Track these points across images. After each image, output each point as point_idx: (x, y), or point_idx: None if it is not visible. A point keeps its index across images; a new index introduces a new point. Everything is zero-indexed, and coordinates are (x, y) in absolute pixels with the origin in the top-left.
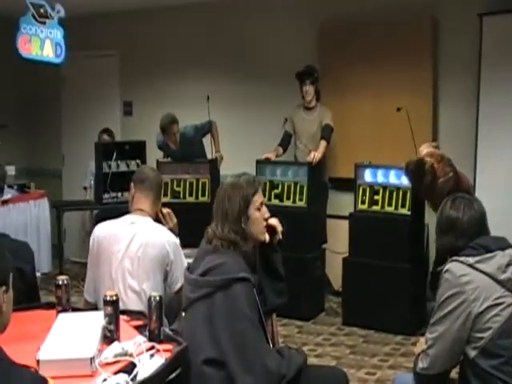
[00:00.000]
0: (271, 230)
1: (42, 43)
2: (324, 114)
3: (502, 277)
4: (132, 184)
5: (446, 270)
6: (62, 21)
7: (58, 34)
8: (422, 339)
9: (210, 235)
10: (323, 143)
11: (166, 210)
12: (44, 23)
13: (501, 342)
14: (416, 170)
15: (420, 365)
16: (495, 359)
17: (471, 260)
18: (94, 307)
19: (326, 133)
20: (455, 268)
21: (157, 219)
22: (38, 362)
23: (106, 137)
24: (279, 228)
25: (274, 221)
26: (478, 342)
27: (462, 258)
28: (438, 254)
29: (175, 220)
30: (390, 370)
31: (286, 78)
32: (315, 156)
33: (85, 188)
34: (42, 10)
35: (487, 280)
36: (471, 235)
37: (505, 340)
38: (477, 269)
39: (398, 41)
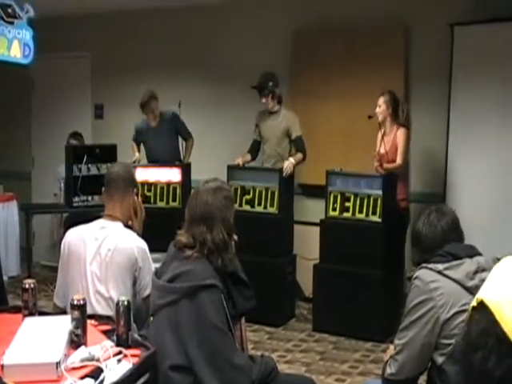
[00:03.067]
0: None
1: (9, 43)
2: (290, 120)
3: (470, 284)
4: (103, 188)
5: (416, 277)
6: (33, 22)
7: (27, 34)
8: (392, 347)
9: (183, 241)
10: (299, 155)
11: (138, 203)
12: (12, 23)
13: None
14: None
15: (388, 370)
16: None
17: (440, 267)
18: (62, 312)
19: (300, 145)
20: (424, 275)
21: (127, 224)
22: (2, 366)
23: (74, 141)
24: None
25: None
26: (445, 348)
27: (430, 265)
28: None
29: (142, 215)
30: (360, 376)
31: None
32: (287, 169)
33: (55, 194)
34: (9, 10)
35: (455, 286)
36: (434, 250)
37: None
38: (445, 275)
39: (370, 48)
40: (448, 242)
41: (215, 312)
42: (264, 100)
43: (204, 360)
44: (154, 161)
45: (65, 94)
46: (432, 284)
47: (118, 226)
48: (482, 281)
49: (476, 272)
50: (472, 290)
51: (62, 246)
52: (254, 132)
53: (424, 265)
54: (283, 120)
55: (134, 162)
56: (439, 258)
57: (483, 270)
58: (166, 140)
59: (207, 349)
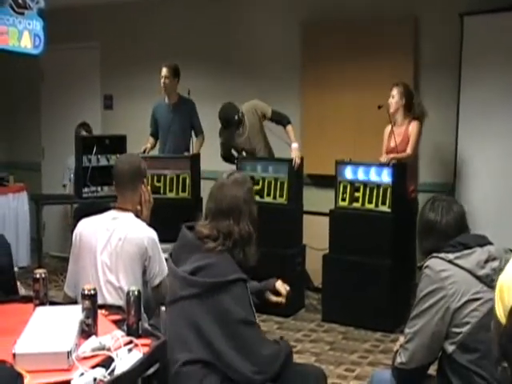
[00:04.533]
0: (276, 293)
1: (19, 34)
2: (254, 113)
3: (481, 272)
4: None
5: (426, 266)
6: (43, 12)
7: (37, 25)
8: (402, 338)
9: (205, 233)
10: (289, 128)
11: (146, 198)
12: (22, 14)
13: (478, 336)
14: None
15: (398, 359)
16: (472, 354)
17: (451, 256)
18: (73, 301)
19: (279, 117)
20: (435, 264)
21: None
22: (14, 355)
23: (83, 131)
24: (283, 291)
25: (278, 285)
26: (455, 337)
27: (441, 255)
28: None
29: (145, 213)
30: (369, 366)
31: (267, 74)
32: (296, 159)
33: (64, 185)
34: (20, 1)
35: (466, 275)
36: (451, 237)
37: (482, 334)
38: (456, 264)
39: (380, 39)
40: (463, 228)
41: (240, 306)
42: (241, 131)
43: (234, 352)
44: (165, 142)
45: (74, 84)
46: (443, 273)
47: (130, 216)
48: (493, 270)
49: (487, 261)
50: (483, 279)
51: (73, 236)
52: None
53: (435, 254)
54: (246, 131)
55: (144, 151)
56: (450, 248)
57: (494, 259)
58: (180, 119)
59: (235, 343)
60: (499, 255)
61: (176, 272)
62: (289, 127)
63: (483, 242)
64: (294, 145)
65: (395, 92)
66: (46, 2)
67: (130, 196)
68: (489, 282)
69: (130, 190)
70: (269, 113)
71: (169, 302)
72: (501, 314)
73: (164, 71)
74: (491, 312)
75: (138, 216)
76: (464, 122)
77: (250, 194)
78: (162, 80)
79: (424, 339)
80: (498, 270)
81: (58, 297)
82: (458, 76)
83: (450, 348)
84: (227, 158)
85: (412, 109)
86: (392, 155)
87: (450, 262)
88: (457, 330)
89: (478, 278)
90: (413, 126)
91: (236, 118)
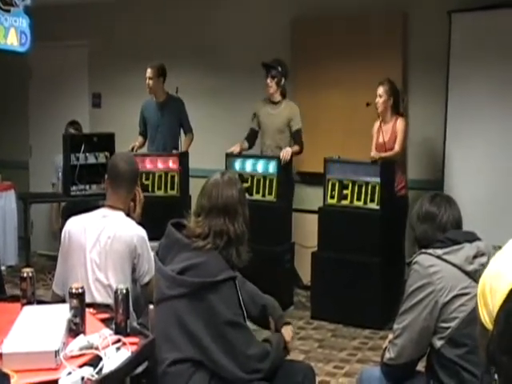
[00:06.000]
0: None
1: (6, 31)
2: (291, 111)
3: (470, 268)
4: (106, 176)
5: (415, 262)
6: (31, 10)
7: (24, 22)
8: (391, 335)
9: (198, 231)
10: (296, 147)
11: (140, 197)
12: (9, 11)
13: (466, 331)
14: None
15: (387, 355)
16: (460, 348)
17: (439, 251)
18: (61, 300)
19: (298, 138)
20: (423, 259)
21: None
22: (0, 355)
23: (72, 130)
24: (288, 338)
25: (285, 330)
26: (444, 331)
27: (430, 250)
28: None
29: (139, 211)
30: (358, 363)
31: (256, 72)
32: (285, 156)
33: (53, 184)
34: None
35: (455, 271)
36: (447, 230)
37: (470, 329)
38: (445, 260)
39: (368, 37)
40: (460, 227)
41: (228, 306)
42: (269, 81)
43: (221, 352)
44: (153, 141)
45: (62, 82)
46: (431, 268)
47: (120, 214)
48: (482, 265)
49: (475, 256)
50: (471, 275)
51: (62, 234)
52: (251, 121)
53: (423, 250)
54: (285, 110)
55: (132, 149)
56: (439, 244)
57: (482, 255)
58: (168, 118)
59: (222, 343)
60: (488, 251)
61: (163, 271)
62: (297, 147)
63: (472, 237)
64: (288, 148)
65: (381, 91)
66: None
67: (125, 195)
68: (477, 277)
69: (126, 190)
70: (296, 126)
71: (156, 301)
72: (486, 320)
73: (148, 72)
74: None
75: (128, 215)
76: (452, 119)
77: (243, 195)
78: (147, 81)
79: (412, 334)
80: (487, 266)
81: (47, 296)
82: (446, 73)
83: (439, 343)
84: (249, 134)
85: (399, 105)
86: (383, 154)
87: (438, 257)
88: (445, 324)
89: (467, 273)
90: (399, 123)
91: (279, 69)
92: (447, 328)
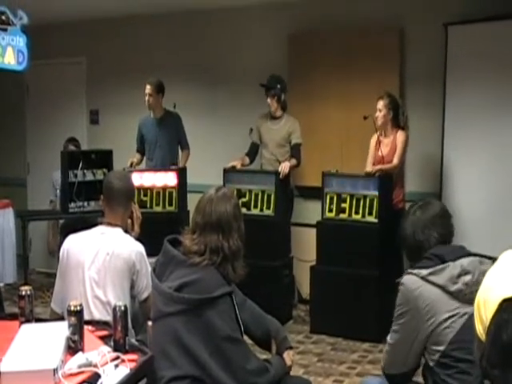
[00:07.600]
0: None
1: (3, 50)
2: (292, 126)
3: (453, 288)
4: (102, 195)
5: (402, 284)
6: (27, 28)
7: (21, 41)
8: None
9: (194, 248)
10: (294, 161)
11: (137, 215)
12: (5, 30)
13: (454, 353)
14: None
15: (381, 363)
16: (450, 370)
17: (424, 272)
18: (60, 318)
19: (297, 153)
20: (409, 281)
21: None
22: None
23: (71, 146)
24: (289, 363)
25: (287, 355)
26: (434, 354)
27: (415, 271)
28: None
29: (137, 230)
30: (358, 377)
31: (253, 87)
32: (284, 169)
33: (51, 201)
34: (3, 17)
35: (439, 292)
36: (419, 248)
37: (458, 352)
38: (429, 281)
39: (365, 50)
40: (435, 229)
41: (225, 322)
42: (269, 100)
43: (220, 367)
44: (152, 157)
45: (60, 99)
46: (416, 291)
47: (118, 231)
48: (465, 284)
49: (459, 275)
50: (455, 294)
51: (60, 252)
52: (252, 135)
53: (409, 270)
54: (285, 125)
55: (131, 165)
56: (425, 262)
57: (466, 273)
58: (166, 133)
59: (220, 358)
60: (473, 268)
61: (160, 288)
62: (295, 161)
63: (461, 253)
64: (286, 161)
65: (381, 105)
66: (30, 17)
67: (121, 212)
68: (461, 296)
69: (123, 208)
70: (295, 140)
71: (153, 318)
72: (480, 332)
73: (147, 89)
74: (464, 327)
75: (126, 231)
76: (449, 131)
77: (238, 210)
78: (146, 98)
79: (399, 355)
80: (471, 284)
81: (45, 313)
82: (443, 86)
83: (431, 363)
84: (250, 148)
85: (399, 119)
86: (378, 166)
87: (422, 278)
88: (435, 347)
89: (451, 293)
90: (400, 136)
91: (278, 87)
92: (437, 351)
